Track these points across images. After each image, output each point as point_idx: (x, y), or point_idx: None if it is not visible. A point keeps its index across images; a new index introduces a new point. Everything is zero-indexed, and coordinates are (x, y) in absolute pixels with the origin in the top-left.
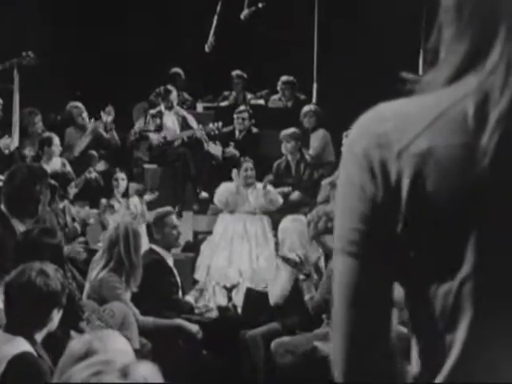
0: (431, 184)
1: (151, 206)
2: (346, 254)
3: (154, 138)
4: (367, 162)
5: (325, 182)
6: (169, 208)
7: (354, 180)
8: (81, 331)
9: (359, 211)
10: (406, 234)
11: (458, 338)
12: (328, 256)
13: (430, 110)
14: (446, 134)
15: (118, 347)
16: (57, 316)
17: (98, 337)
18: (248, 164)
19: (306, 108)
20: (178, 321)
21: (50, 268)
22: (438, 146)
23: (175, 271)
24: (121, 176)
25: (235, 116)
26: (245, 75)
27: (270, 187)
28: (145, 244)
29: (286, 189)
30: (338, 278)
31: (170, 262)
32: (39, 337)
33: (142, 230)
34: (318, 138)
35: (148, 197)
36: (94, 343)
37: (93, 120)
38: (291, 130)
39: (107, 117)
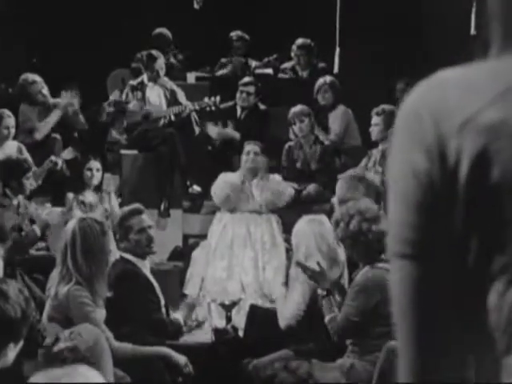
0: (501, 164)
1: (128, 201)
2: (403, 258)
3: (135, 110)
4: (423, 138)
5: (343, 175)
6: (136, 205)
7: (408, 162)
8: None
9: (415, 201)
10: (466, 228)
11: None
12: (355, 265)
13: (503, 77)
14: None
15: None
16: (13, 351)
17: (66, 372)
18: (252, 146)
19: (321, 81)
20: (163, 349)
21: (11, 288)
22: None
23: (155, 284)
24: (95, 165)
25: (239, 89)
26: (247, 37)
27: (276, 177)
28: (114, 251)
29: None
30: (397, 288)
31: (147, 271)
32: None
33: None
34: (336, 118)
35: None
36: (63, 380)
37: (67, 94)
38: (300, 106)
39: (71, 100)
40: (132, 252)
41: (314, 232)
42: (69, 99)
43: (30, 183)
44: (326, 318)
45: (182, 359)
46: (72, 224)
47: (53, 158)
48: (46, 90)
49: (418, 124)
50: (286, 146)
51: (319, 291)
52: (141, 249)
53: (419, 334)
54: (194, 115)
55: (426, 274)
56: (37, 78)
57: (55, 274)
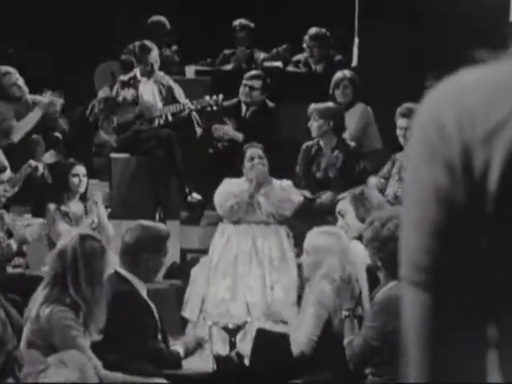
0: None
1: (118, 212)
2: (414, 286)
3: (127, 109)
4: (445, 149)
5: (343, 195)
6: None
7: (428, 178)
8: None
9: (430, 221)
10: (494, 247)
11: None
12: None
13: None
14: None
15: None
16: None
17: None
18: (254, 150)
19: (339, 75)
20: (158, 381)
21: None
22: None
23: (153, 307)
24: (82, 171)
25: (242, 83)
26: (252, 25)
27: (284, 182)
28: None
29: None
30: (408, 318)
31: (144, 293)
32: None
33: None
34: (354, 117)
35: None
36: None
37: (49, 93)
38: (326, 104)
39: (54, 98)
40: (134, 272)
41: (336, 248)
42: (51, 98)
43: (5, 189)
44: (345, 341)
45: None
46: (71, 243)
47: (32, 162)
48: (21, 82)
49: (440, 133)
50: (304, 145)
51: (343, 312)
52: (149, 274)
53: (434, 366)
54: (194, 114)
55: (441, 303)
56: (10, 69)
57: (39, 296)
